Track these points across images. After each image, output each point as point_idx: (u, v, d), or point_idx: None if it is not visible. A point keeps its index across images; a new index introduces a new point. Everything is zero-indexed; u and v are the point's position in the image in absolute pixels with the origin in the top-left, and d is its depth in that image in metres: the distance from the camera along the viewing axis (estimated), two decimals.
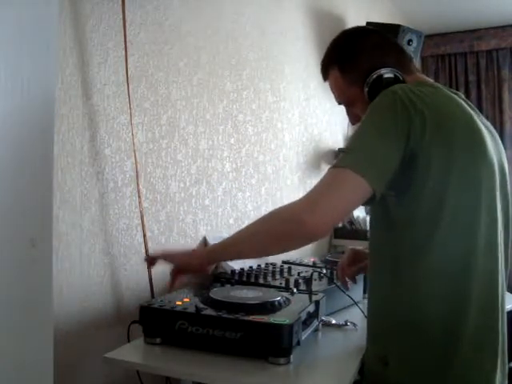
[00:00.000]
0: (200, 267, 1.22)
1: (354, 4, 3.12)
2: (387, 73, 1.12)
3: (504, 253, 1.09)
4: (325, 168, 2.80)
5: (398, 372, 1.05)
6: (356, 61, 1.18)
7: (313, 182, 2.64)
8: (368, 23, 2.89)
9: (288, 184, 2.35)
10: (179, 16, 1.61)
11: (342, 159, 0.99)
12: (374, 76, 1.13)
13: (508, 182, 1.13)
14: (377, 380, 1.09)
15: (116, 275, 1.39)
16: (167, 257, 1.26)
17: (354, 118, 1.26)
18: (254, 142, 2.05)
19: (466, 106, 1.08)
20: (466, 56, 4.18)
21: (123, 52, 1.38)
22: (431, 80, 1.19)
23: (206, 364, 1.06)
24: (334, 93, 1.27)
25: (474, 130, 1.04)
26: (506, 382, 1.09)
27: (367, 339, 1.16)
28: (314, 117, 2.64)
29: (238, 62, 1.94)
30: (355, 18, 3.05)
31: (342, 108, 1.32)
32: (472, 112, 1.08)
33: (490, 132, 1.13)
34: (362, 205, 1.03)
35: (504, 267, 1.10)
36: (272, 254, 1.13)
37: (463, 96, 1.16)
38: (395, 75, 1.13)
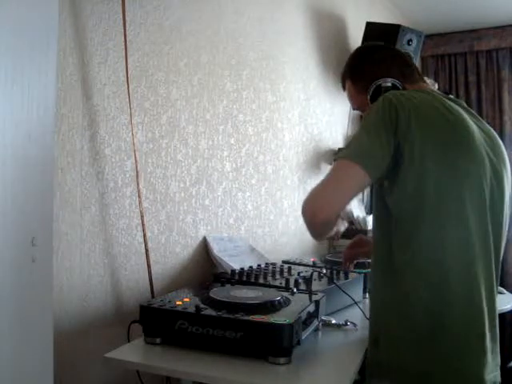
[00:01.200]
0: None
1: (354, 4, 3.11)
2: (386, 82, 1.29)
3: (494, 251, 1.15)
4: (325, 168, 2.79)
5: (386, 352, 1.13)
6: (363, 73, 1.37)
7: (313, 181, 2.63)
8: (368, 23, 2.89)
9: (288, 184, 2.35)
10: (179, 16, 1.61)
11: (340, 153, 1.14)
12: (374, 86, 1.31)
13: (506, 185, 1.20)
14: (371, 359, 1.17)
15: (116, 275, 1.39)
16: None
17: None
18: (254, 141, 2.05)
19: (460, 110, 1.18)
20: (465, 56, 4.17)
21: (123, 52, 1.38)
22: (431, 88, 1.31)
23: (206, 364, 1.07)
24: (349, 101, 1.47)
25: (459, 130, 1.14)
26: (499, 371, 1.14)
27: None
28: (314, 117, 2.64)
29: (238, 62, 1.94)
30: (355, 18, 3.05)
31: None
32: (466, 116, 1.18)
33: (487, 135, 1.21)
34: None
35: (494, 261, 1.15)
36: (318, 238, 1.29)
37: (464, 104, 1.25)
38: (393, 84, 1.29)
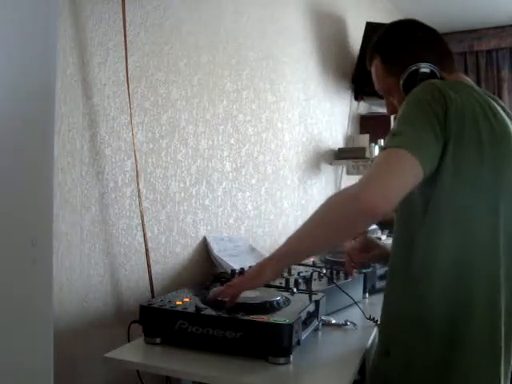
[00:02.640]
0: (274, 278, 1.16)
1: (354, 4, 3.12)
2: (424, 67, 1.14)
3: None
4: (325, 168, 2.80)
5: (397, 362, 1.07)
6: (397, 53, 1.21)
7: (313, 181, 2.64)
8: (368, 23, 2.89)
9: (288, 184, 2.35)
10: (179, 16, 1.61)
11: (394, 140, 1.00)
12: (411, 69, 1.16)
13: None
14: (377, 371, 1.12)
15: (116, 275, 1.39)
16: (235, 293, 1.15)
17: (391, 107, 1.30)
18: (254, 141, 2.05)
19: (501, 111, 1.10)
20: (465, 56, 4.18)
21: (123, 52, 1.38)
22: (471, 82, 1.19)
23: (206, 364, 1.07)
24: (374, 81, 1.30)
25: (501, 133, 1.05)
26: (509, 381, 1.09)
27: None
28: (314, 117, 2.64)
29: (238, 62, 1.94)
30: (355, 18, 3.05)
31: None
32: (506, 118, 1.10)
33: None
34: None
35: None
36: (339, 241, 1.10)
37: (501, 102, 1.17)
38: (432, 71, 1.14)
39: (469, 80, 1.20)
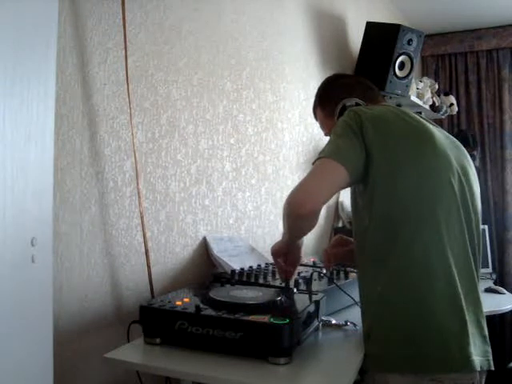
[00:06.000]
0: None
1: (354, 4, 3.11)
2: (350, 101, 1.40)
3: (468, 237, 1.22)
4: None
5: (376, 343, 1.17)
6: (329, 97, 1.48)
7: None
8: (368, 23, 2.88)
9: (288, 184, 2.35)
10: (179, 16, 1.61)
11: (321, 153, 1.20)
12: (340, 106, 1.41)
13: (473, 180, 1.30)
14: (365, 353, 1.20)
15: (116, 275, 1.39)
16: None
17: None
18: (254, 141, 2.05)
19: (420, 118, 1.29)
20: (466, 56, 4.17)
21: (123, 52, 1.38)
22: (393, 105, 1.42)
23: (206, 364, 1.07)
24: (321, 128, 1.57)
25: (420, 131, 1.22)
26: (490, 357, 1.18)
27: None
28: None
29: (238, 62, 1.94)
30: (355, 18, 3.05)
31: None
32: (426, 122, 1.28)
33: (449, 138, 1.33)
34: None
35: (471, 251, 1.22)
36: (301, 233, 1.30)
37: (428, 120, 1.35)
38: (356, 103, 1.39)
39: (388, 104, 1.43)
